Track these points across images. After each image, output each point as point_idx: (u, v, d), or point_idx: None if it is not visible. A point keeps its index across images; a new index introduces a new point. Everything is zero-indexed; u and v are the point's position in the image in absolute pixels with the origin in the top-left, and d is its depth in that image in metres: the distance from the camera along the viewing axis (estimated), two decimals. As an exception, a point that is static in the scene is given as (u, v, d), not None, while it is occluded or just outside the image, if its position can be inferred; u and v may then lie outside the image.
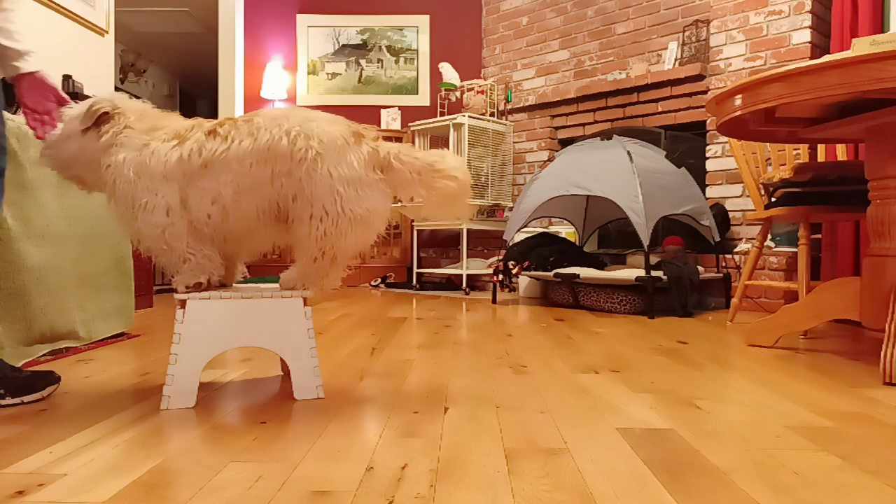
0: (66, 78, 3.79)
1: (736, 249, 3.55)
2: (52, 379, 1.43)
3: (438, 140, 4.99)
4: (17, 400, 1.36)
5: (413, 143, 4.96)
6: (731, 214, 3.60)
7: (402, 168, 1.39)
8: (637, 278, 3.07)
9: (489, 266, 4.68)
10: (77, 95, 3.65)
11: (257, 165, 1.34)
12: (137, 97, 1.70)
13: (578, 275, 3.30)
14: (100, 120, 1.39)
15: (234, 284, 1.56)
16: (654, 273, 3.07)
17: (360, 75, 5.34)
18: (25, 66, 1.42)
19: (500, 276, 3.86)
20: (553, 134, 4.71)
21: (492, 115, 4.89)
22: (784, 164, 3.27)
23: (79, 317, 2.04)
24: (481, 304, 3.67)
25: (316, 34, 5.35)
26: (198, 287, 1.39)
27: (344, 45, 5.35)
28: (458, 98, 5.09)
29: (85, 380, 1.61)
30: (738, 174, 3.56)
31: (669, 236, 3.67)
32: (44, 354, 1.90)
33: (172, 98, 8.25)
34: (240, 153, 1.34)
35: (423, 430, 1.19)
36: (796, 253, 2.99)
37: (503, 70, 5.01)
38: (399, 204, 5.03)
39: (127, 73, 7.41)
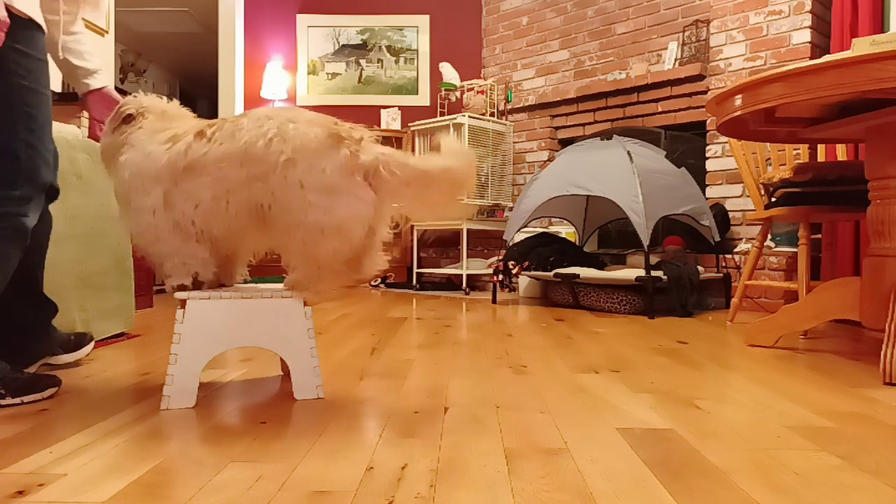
0: (66, 78, 3.79)
1: (736, 249, 3.55)
2: (53, 381, 1.44)
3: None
4: (17, 400, 1.36)
5: (413, 142, 4.96)
6: (731, 214, 3.60)
7: (391, 179, 1.32)
8: (637, 278, 3.07)
9: (489, 266, 4.68)
10: (76, 96, 3.65)
11: (232, 167, 1.31)
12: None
13: (578, 275, 3.30)
14: (125, 120, 1.45)
15: (234, 285, 1.56)
16: (654, 273, 3.07)
17: (360, 75, 5.35)
18: (94, 82, 1.60)
19: (500, 276, 3.86)
20: (553, 134, 4.71)
21: (492, 115, 4.89)
22: (784, 164, 3.27)
23: (79, 317, 2.04)
24: (481, 304, 3.67)
25: (316, 34, 5.35)
26: (183, 288, 1.39)
27: (344, 45, 5.35)
28: (458, 98, 5.09)
29: (85, 380, 1.61)
30: (738, 174, 3.56)
31: (669, 236, 3.67)
32: (44, 354, 1.90)
33: (172, 98, 8.25)
34: (217, 155, 1.32)
35: (423, 430, 1.19)
36: (796, 253, 2.99)
37: (503, 70, 5.01)
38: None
39: (127, 73, 7.42)
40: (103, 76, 1.63)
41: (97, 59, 1.61)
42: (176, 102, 1.54)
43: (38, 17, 1.38)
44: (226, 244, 1.44)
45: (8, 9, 1.29)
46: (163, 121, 1.45)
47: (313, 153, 1.29)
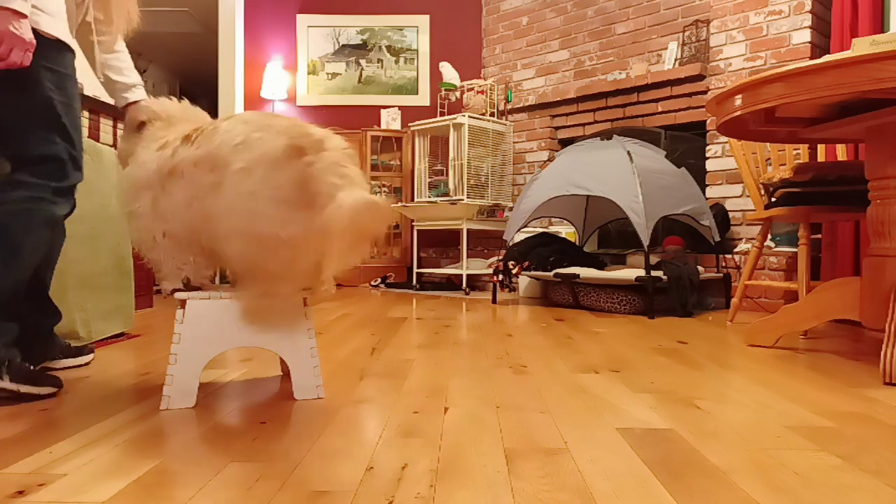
0: (66, 78, 3.78)
1: (736, 249, 3.55)
2: (55, 381, 1.45)
3: (438, 140, 4.99)
4: (14, 386, 1.37)
5: (413, 143, 4.96)
6: (731, 214, 3.60)
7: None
8: (637, 278, 3.07)
9: (489, 266, 4.68)
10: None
11: (203, 171, 1.29)
12: None
13: (578, 275, 3.30)
14: (137, 127, 1.51)
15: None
16: (654, 273, 3.07)
17: (360, 75, 5.34)
18: (132, 96, 1.75)
19: (500, 276, 3.86)
20: (553, 134, 4.71)
21: (492, 115, 4.89)
22: (784, 164, 3.27)
23: (79, 317, 2.04)
24: (481, 304, 3.67)
25: (316, 34, 5.35)
26: (175, 292, 1.40)
27: (344, 45, 5.35)
28: (458, 98, 5.09)
29: (85, 380, 1.61)
30: (738, 174, 3.56)
31: (669, 236, 3.67)
32: (44, 354, 1.90)
33: (172, 98, 8.25)
34: (192, 158, 1.32)
35: (423, 430, 1.19)
36: (796, 253, 2.99)
37: (503, 70, 5.01)
38: (400, 203, 5.00)
39: (127, 73, 7.40)
40: (141, 90, 1.79)
41: (136, 74, 1.79)
42: (186, 104, 1.56)
43: (65, 38, 1.51)
44: (209, 250, 1.43)
45: (36, 31, 1.43)
46: (166, 127, 1.48)
47: (268, 166, 1.23)
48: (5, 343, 1.44)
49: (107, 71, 1.73)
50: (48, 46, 1.47)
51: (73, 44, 1.59)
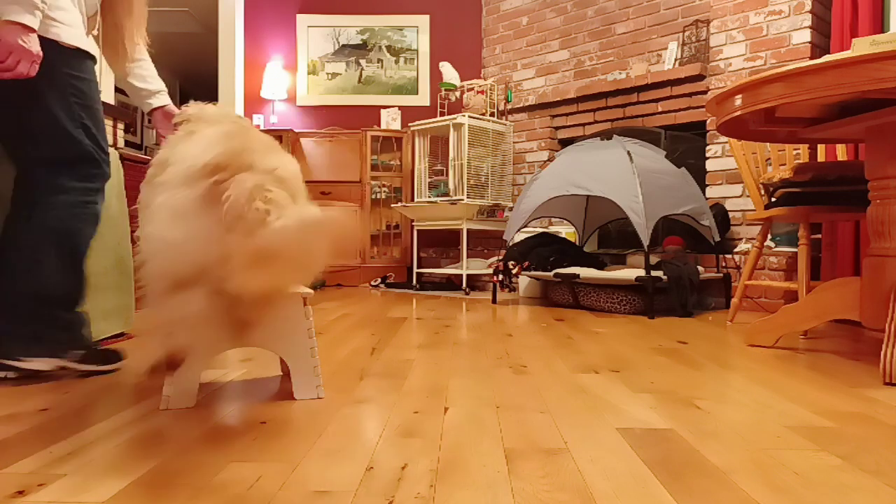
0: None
1: (736, 249, 3.55)
2: (117, 357, 1.68)
3: (438, 140, 4.99)
4: (98, 368, 1.63)
5: (413, 143, 4.95)
6: (731, 214, 3.60)
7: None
8: (637, 278, 3.07)
9: (489, 266, 4.68)
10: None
11: (161, 169, 1.27)
12: None
13: (578, 275, 3.30)
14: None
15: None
16: (654, 273, 3.07)
17: (360, 75, 5.34)
18: (156, 101, 1.86)
19: (500, 276, 3.86)
20: (553, 134, 4.71)
21: (492, 115, 4.89)
22: (784, 164, 3.27)
23: (79, 317, 2.04)
24: (481, 304, 3.67)
25: (316, 34, 5.35)
26: None
27: (344, 45, 5.35)
28: (458, 98, 5.09)
29: (85, 380, 1.61)
30: (738, 174, 3.56)
31: (669, 236, 3.67)
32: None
33: (172, 98, 8.26)
34: (164, 154, 1.31)
35: (423, 430, 1.19)
36: (796, 253, 2.99)
37: (503, 70, 5.01)
38: (399, 204, 4.99)
39: (127, 73, 7.40)
40: (164, 95, 1.88)
41: (159, 81, 1.88)
42: (228, 110, 1.54)
43: (85, 46, 1.60)
44: None
45: (56, 42, 1.51)
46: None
47: (180, 181, 1.17)
48: (83, 330, 1.63)
49: (130, 79, 1.82)
50: (70, 56, 1.56)
51: (95, 51, 1.68)
